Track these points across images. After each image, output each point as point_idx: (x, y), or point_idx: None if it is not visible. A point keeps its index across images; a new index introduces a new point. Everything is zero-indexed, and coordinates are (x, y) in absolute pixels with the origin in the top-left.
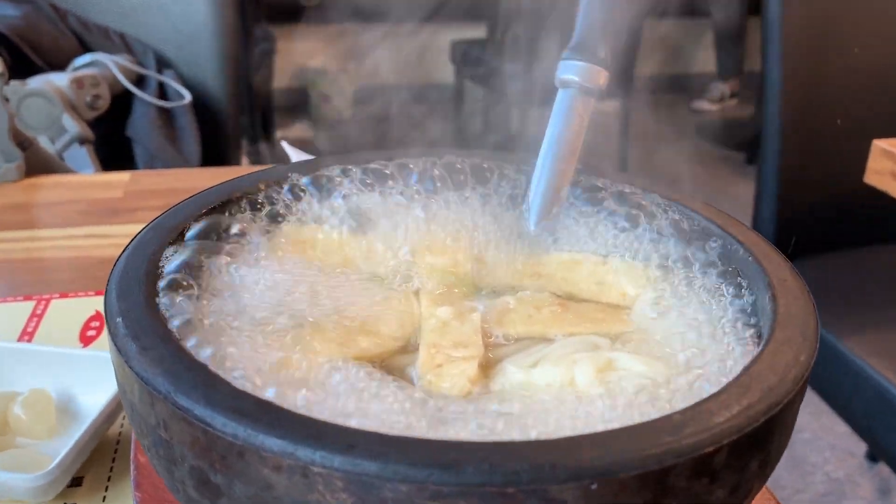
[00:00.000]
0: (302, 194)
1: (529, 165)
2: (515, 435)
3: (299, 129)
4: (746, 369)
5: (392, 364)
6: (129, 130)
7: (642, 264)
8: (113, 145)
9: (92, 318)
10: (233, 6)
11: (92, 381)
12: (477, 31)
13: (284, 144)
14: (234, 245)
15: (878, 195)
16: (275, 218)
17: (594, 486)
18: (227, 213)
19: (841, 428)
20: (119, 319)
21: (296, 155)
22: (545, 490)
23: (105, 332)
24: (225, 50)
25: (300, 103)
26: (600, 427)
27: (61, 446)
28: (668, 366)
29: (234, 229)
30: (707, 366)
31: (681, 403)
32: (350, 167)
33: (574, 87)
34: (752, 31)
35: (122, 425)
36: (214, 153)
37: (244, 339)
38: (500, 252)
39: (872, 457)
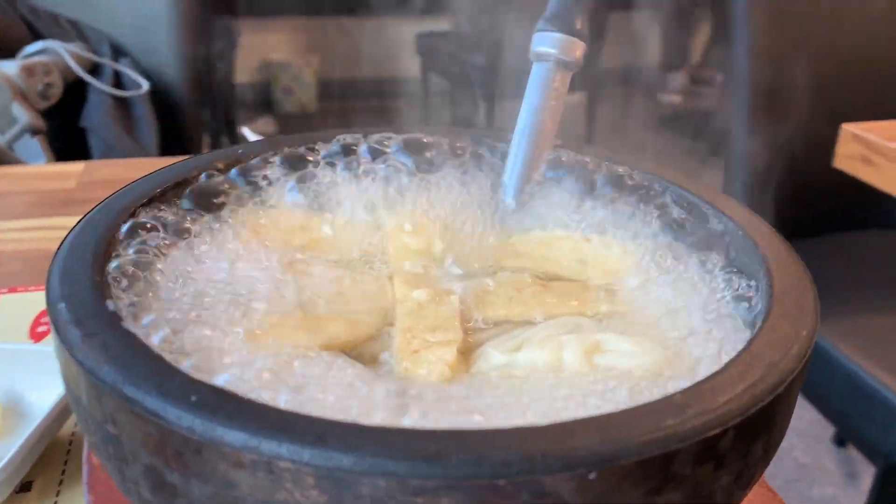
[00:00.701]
0: (262, 174)
1: (504, 141)
2: (500, 422)
3: (263, 123)
4: (747, 347)
5: (364, 351)
6: (83, 121)
7: (626, 242)
8: (67, 136)
9: (43, 314)
10: None
11: (42, 379)
12: (441, 24)
13: (245, 131)
14: (189, 227)
15: (848, 181)
16: (235, 199)
17: (592, 476)
18: (182, 194)
19: (809, 415)
20: (62, 305)
21: None
22: (538, 481)
23: None
24: (184, 37)
25: (263, 97)
26: (594, 411)
27: (7, 448)
28: (660, 346)
29: (190, 211)
30: (701, 345)
31: (677, 384)
32: (314, 145)
33: (550, 59)
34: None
35: (75, 425)
36: (173, 144)
37: (200, 326)
38: (476, 230)
39: (840, 441)
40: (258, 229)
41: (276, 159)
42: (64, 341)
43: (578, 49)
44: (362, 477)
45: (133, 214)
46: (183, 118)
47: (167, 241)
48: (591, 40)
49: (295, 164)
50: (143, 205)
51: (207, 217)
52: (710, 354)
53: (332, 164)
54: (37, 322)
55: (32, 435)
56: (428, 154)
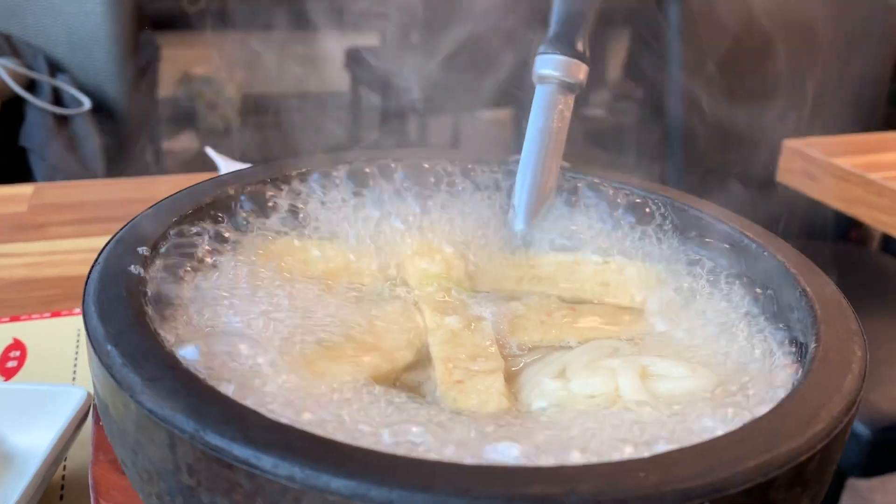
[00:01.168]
0: (273, 200)
1: (511, 164)
2: (600, 456)
3: (185, 139)
4: (809, 372)
5: (405, 381)
6: (22, 140)
7: (647, 264)
8: (5, 157)
9: (10, 348)
10: (129, 4)
11: (21, 420)
12: (370, 39)
13: (209, 151)
14: (209, 258)
15: (787, 193)
16: (247, 228)
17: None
18: (196, 224)
19: None
20: (111, 347)
21: (223, 162)
22: None
23: (27, 363)
24: (123, 53)
25: (185, 112)
26: (674, 440)
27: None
28: (709, 369)
29: (206, 242)
30: (745, 367)
31: (741, 409)
32: (322, 170)
33: (554, 82)
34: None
35: (64, 468)
36: (116, 163)
37: (251, 364)
38: (493, 255)
39: None
40: (276, 259)
41: (285, 186)
42: (124, 387)
43: (581, 71)
44: None
45: (154, 247)
46: (125, 136)
47: (191, 273)
48: (520, 57)
49: (304, 190)
50: (163, 236)
51: (226, 247)
52: (760, 376)
53: (337, 190)
54: (4, 357)
55: (32, 483)
56: (433, 178)
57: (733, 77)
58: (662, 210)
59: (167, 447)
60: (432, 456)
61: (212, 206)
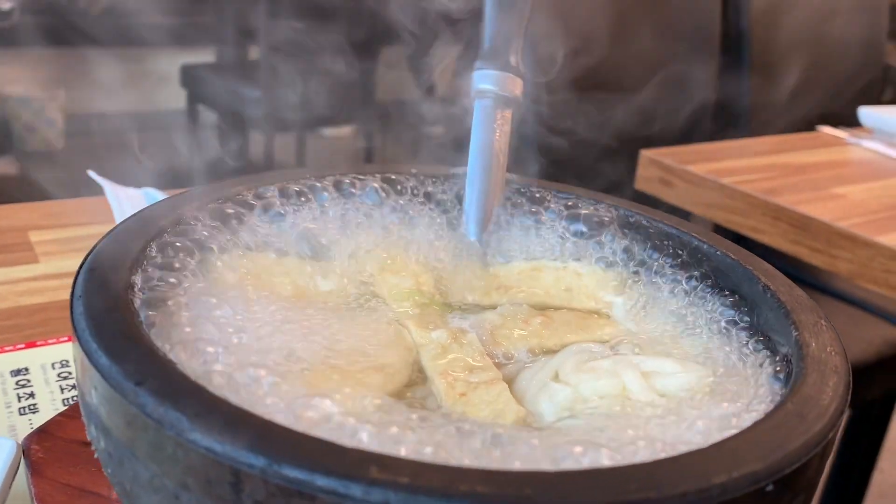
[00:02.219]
0: (239, 218)
1: (458, 179)
2: (634, 457)
3: (3, 163)
4: (804, 367)
5: (404, 397)
6: None
7: (604, 269)
8: None
9: None
10: None
11: None
12: (207, 55)
13: (92, 175)
14: (183, 280)
15: (647, 200)
16: (218, 248)
17: (770, 488)
18: (166, 245)
19: None
20: (137, 386)
21: (109, 187)
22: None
23: None
24: None
25: (1, 135)
26: (704, 431)
27: None
28: (700, 365)
29: (179, 262)
30: (721, 359)
31: (742, 399)
32: (287, 186)
33: (491, 97)
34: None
35: None
36: None
37: (266, 388)
38: (455, 268)
39: None
40: (252, 279)
41: (252, 203)
42: (167, 427)
43: (517, 85)
44: None
45: (131, 268)
46: None
47: (176, 295)
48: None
49: (271, 207)
50: (138, 260)
51: (201, 268)
52: (733, 366)
53: (298, 209)
54: None
55: None
56: (389, 194)
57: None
58: (610, 217)
59: (230, 486)
60: (518, 467)
61: (180, 225)
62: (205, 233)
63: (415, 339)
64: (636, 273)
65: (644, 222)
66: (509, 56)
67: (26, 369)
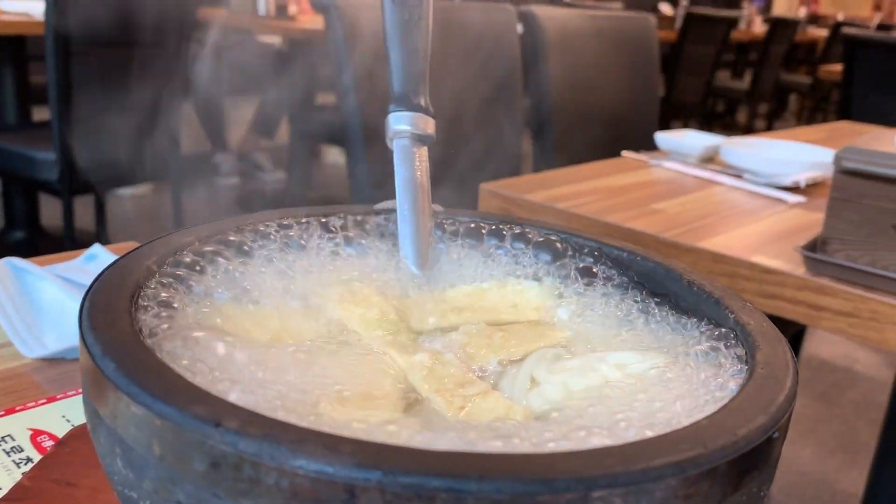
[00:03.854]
0: (187, 269)
1: (384, 214)
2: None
3: None
4: (754, 339)
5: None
6: None
7: (540, 284)
8: None
9: None
10: None
11: None
12: None
13: None
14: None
15: None
16: (180, 298)
17: (775, 435)
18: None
19: None
20: (220, 427)
21: None
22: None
23: None
24: None
25: None
26: (699, 401)
27: None
28: (654, 352)
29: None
30: (679, 346)
31: (714, 372)
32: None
33: (407, 136)
34: (233, 108)
35: None
36: None
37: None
38: (410, 297)
39: None
40: (229, 323)
41: (195, 253)
42: (266, 459)
43: (430, 124)
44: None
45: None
46: None
47: (179, 339)
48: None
49: (213, 256)
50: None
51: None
52: (686, 351)
53: (247, 254)
54: None
55: None
56: (324, 234)
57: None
58: (534, 237)
59: (342, 503)
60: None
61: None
62: (164, 294)
63: (400, 364)
64: (569, 283)
65: (565, 238)
66: (419, 98)
67: None
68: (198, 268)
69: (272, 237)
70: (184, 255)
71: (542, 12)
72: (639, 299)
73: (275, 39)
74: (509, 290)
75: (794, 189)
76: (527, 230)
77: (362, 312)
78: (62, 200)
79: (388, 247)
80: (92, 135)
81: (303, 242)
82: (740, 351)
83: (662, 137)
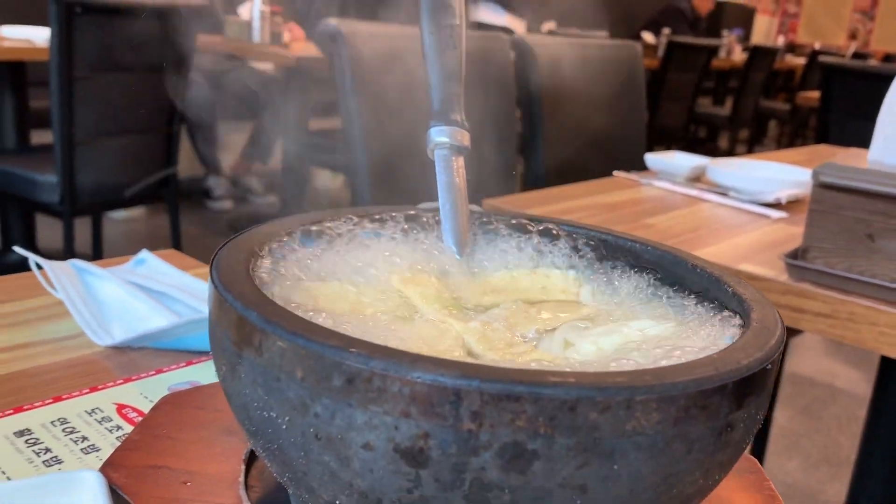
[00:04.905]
0: (279, 253)
1: (431, 211)
2: (665, 362)
3: None
4: (750, 305)
5: None
6: None
7: (564, 270)
8: None
9: None
10: None
11: None
12: None
13: (20, 250)
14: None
15: None
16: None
17: (769, 367)
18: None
19: None
20: (352, 351)
21: (44, 262)
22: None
23: None
24: None
25: None
26: (699, 351)
27: None
28: (667, 320)
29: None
30: (687, 315)
31: (717, 330)
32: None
33: (446, 147)
34: (226, 133)
35: None
36: None
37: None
38: (457, 279)
39: None
40: (313, 300)
41: (288, 239)
42: (396, 372)
43: (465, 136)
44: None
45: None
46: None
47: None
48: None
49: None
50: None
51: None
52: (694, 318)
53: (326, 241)
54: None
55: None
56: (391, 225)
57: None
58: (557, 231)
59: (450, 404)
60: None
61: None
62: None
63: (458, 329)
64: (589, 269)
65: (584, 233)
66: (455, 115)
67: (29, 430)
68: (287, 251)
69: (345, 229)
70: (275, 242)
71: (534, 41)
72: (650, 281)
73: (268, 66)
74: (539, 276)
75: (776, 205)
76: (551, 226)
77: (421, 290)
78: (63, 221)
79: (435, 238)
80: (91, 158)
81: (368, 234)
82: (738, 321)
83: (652, 158)
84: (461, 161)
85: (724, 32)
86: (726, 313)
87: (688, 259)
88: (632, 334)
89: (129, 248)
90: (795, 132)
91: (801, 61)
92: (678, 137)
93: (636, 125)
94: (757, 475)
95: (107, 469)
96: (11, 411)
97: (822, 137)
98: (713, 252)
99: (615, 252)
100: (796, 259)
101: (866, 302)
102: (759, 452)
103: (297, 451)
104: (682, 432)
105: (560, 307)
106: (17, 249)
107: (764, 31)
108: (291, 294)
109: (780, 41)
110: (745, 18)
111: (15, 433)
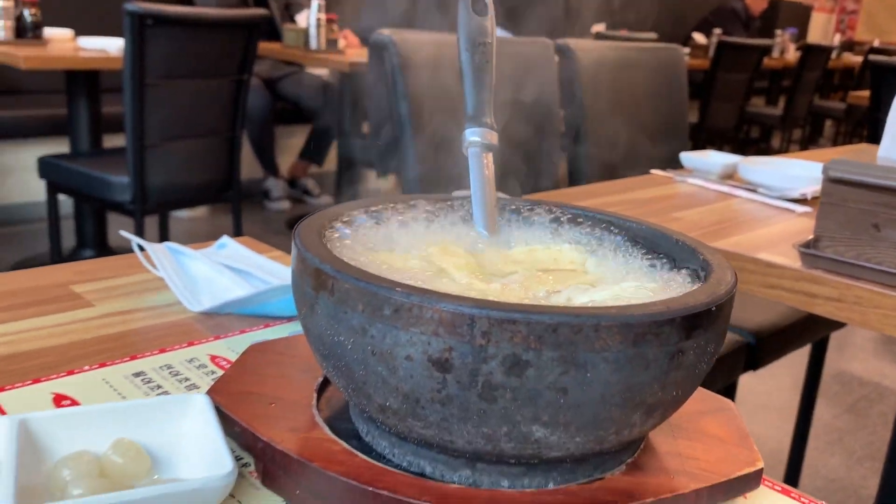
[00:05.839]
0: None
1: (464, 199)
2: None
3: None
4: (712, 265)
5: None
6: None
7: (573, 245)
8: None
9: (59, 398)
10: None
11: (143, 429)
12: (61, 146)
13: (125, 234)
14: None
15: None
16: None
17: (714, 309)
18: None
19: None
20: (398, 289)
21: (145, 244)
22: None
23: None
24: None
25: None
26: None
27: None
28: (651, 280)
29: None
30: (669, 278)
31: (688, 283)
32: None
33: (478, 146)
34: (284, 137)
35: None
36: None
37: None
38: (483, 252)
39: None
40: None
41: (349, 219)
42: (430, 304)
43: (494, 136)
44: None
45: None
46: None
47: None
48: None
49: (358, 220)
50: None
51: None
52: (671, 279)
53: (382, 222)
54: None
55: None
56: (431, 209)
57: None
58: (566, 215)
59: (467, 326)
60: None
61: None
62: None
63: (482, 288)
64: (594, 244)
65: (590, 215)
66: (486, 118)
67: (143, 372)
68: (348, 227)
69: (393, 213)
70: (338, 220)
71: (576, 45)
72: (643, 254)
73: (324, 72)
74: (552, 250)
75: (801, 201)
76: (562, 210)
77: (454, 261)
78: (134, 219)
79: (467, 219)
80: (160, 160)
81: (413, 216)
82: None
83: (687, 157)
84: (490, 157)
85: (778, 31)
86: (695, 274)
87: (672, 234)
88: (620, 291)
89: (193, 245)
90: (852, 131)
91: (858, 59)
92: (729, 138)
93: (678, 126)
94: (729, 413)
95: (211, 393)
96: (128, 359)
97: (873, 136)
98: (733, 242)
99: (616, 231)
100: (809, 248)
101: (871, 287)
102: (799, 447)
103: (358, 365)
104: (640, 352)
105: (568, 275)
106: (123, 233)
107: (821, 29)
108: (352, 258)
109: (837, 39)
110: (800, 17)
111: (133, 374)
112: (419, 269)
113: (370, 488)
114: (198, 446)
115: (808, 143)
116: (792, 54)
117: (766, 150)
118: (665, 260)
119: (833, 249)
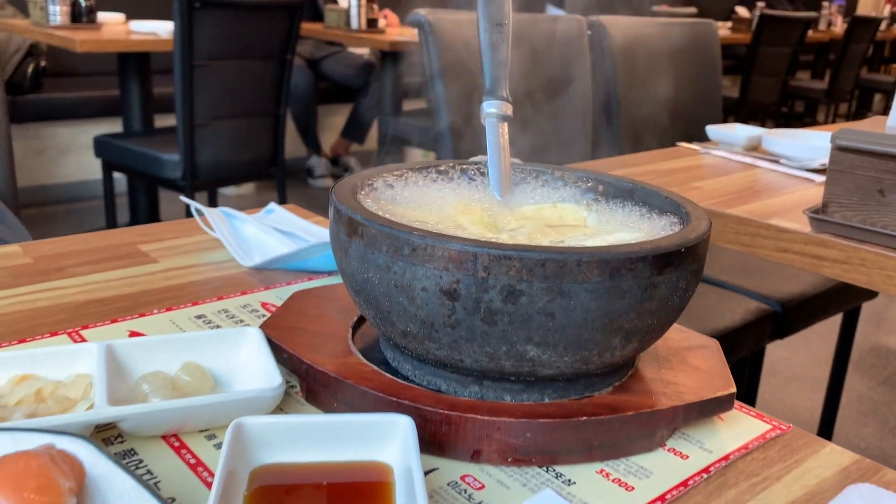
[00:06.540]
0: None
1: (483, 165)
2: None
3: None
4: (690, 215)
5: None
6: None
7: (574, 204)
8: None
9: (133, 334)
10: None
11: (207, 355)
12: (115, 126)
13: (185, 199)
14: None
15: None
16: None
17: (683, 250)
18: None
19: None
20: (414, 233)
21: (203, 208)
22: (656, 254)
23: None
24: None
25: None
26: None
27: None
28: (640, 231)
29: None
30: (650, 226)
31: (672, 230)
32: (400, 172)
33: (495, 116)
34: (326, 115)
35: None
36: None
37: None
38: (497, 210)
39: None
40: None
41: (380, 179)
42: (442, 244)
43: (509, 108)
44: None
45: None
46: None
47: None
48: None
49: (388, 181)
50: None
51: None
52: (650, 232)
53: (408, 183)
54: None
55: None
56: (450, 172)
57: None
58: (570, 177)
59: (471, 261)
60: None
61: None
62: (369, 199)
63: (491, 238)
64: (594, 202)
65: (591, 176)
66: (502, 91)
67: (204, 315)
68: (378, 187)
69: (418, 174)
70: (370, 181)
71: (608, 21)
72: (639, 210)
73: (365, 51)
74: (557, 208)
75: (821, 171)
76: (568, 172)
77: (470, 217)
78: (184, 195)
79: (482, 182)
80: (209, 138)
81: (434, 178)
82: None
83: (712, 129)
84: (505, 126)
85: (825, 3)
86: (678, 224)
87: (662, 192)
88: (613, 239)
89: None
90: None
91: None
92: (772, 113)
93: (712, 101)
94: (712, 349)
95: (263, 328)
96: (191, 304)
97: None
98: (748, 209)
99: (615, 190)
100: (818, 213)
101: (877, 249)
102: (829, 417)
103: (383, 297)
104: (616, 284)
105: (570, 229)
106: (183, 198)
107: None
108: (381, 211)
109: (888, 10)
110: None
111: (195, 316)
112: (438, 222)
113: (395, 399)
114: (252, 370)
115: (854, 117)
116: (840, 27)
117: (810, 125)
118: (656, 214)
119: (841, 214)
